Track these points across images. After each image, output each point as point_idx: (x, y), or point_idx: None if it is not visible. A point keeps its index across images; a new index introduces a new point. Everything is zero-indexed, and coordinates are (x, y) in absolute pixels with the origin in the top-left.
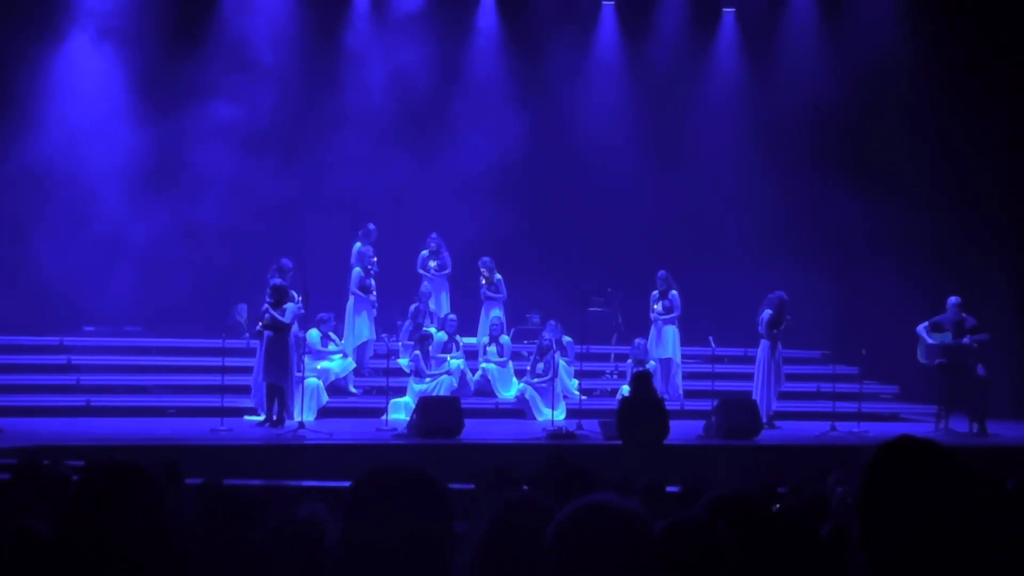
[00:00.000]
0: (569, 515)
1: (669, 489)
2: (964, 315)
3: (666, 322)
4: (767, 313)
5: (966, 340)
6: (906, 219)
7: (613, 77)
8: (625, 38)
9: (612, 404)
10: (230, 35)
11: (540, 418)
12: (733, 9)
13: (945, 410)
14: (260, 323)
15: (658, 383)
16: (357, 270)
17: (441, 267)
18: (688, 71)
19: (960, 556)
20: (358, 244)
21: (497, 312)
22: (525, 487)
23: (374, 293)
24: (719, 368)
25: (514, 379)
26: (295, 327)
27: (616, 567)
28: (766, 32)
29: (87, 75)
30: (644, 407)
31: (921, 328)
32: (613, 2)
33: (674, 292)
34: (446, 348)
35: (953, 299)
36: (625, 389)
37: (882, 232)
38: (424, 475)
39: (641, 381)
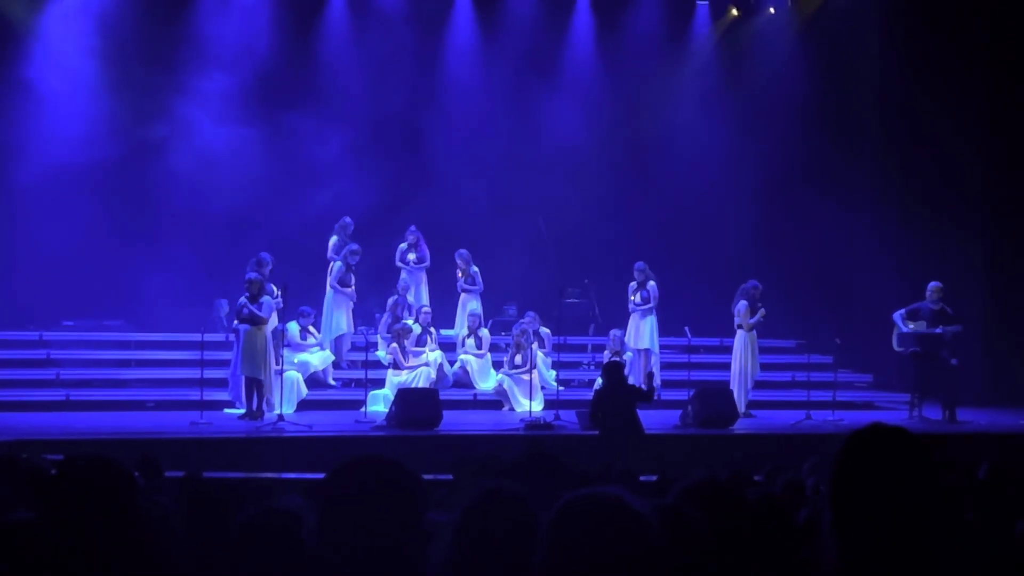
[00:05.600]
0: (566, 505)
1: (645, 478)
2: (943, 304)
3: (644, 313)
4: (742, 304)
5: (938, 330)
6: (879, 209)
7: (588, 69)
8: (600, 31)
9: (589, 395)
10: (204, 36)
11: (518, 409)
12: (707, 2)
13: (919, 398)
14: (237, 317)
15: (636, 374)
16: (338, 264)
17: (420, 260)
18: (663, 62)
19: (930, 541)
20: (334, 238)
21: (475, 305)
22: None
23: (352, 287)
24: (695, 358)
25: (492, 371)
26: (274, 320)
27: (613, 557)
28: (740, 22)
29: (60, 73)
30: (616, 397)
31: (897, 315)
32: None
33: (652, 283)
34: (420, 340)
35: (933, 284)
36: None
37: (856, 222)
38: (397, 465)
39: (612, 371)
